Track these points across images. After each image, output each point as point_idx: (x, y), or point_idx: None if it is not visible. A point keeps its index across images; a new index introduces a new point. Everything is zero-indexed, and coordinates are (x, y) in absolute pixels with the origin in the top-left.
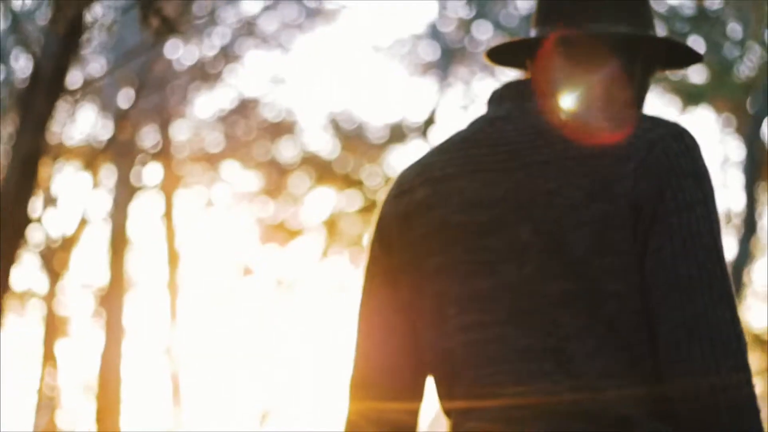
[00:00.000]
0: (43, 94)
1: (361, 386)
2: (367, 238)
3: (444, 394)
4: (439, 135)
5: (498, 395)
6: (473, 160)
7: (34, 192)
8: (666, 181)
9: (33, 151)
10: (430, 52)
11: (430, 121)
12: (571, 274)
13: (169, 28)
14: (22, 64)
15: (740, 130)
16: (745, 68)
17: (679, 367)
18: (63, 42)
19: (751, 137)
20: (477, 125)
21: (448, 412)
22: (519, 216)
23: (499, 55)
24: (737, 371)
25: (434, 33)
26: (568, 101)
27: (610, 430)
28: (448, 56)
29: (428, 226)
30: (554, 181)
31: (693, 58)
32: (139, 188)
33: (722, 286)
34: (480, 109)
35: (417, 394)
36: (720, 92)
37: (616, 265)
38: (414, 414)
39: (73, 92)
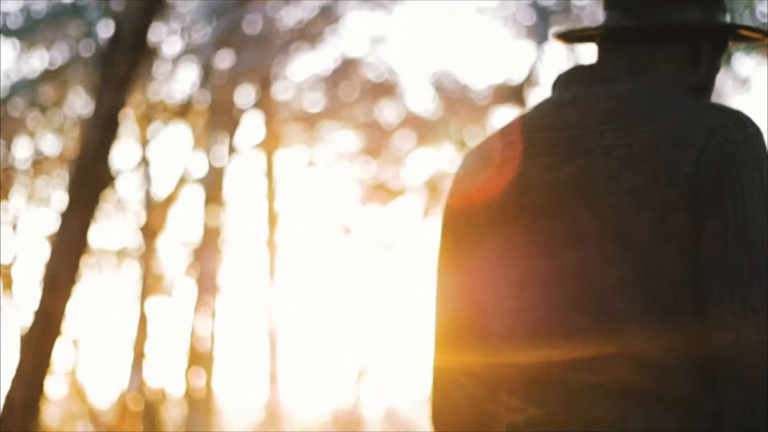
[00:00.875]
0: (124, 53)
1: (454, 338)
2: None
3: (504, 364)
4: (537, 97)
5: (559, 376)
6: (535, 144)
7: (114, 150)
8: (724, 166)
9: (113, 109)
10: (531, 13)
11: (528, 83)
12: (630, 259)
13: None
14: (105, 24)
15: None
16: None
17: (726, 348)
18: (143, 1)
19: None
20: (541, 109)
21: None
22: (579, 201)
23: (572, 34)
24: None
25: None
26: (634, 87)
27: (673, 411)
28: (548, 18)
29: (489, 209)
30: (616, 166)
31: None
32: (239, 147)
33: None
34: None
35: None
36: None
37: (677, 250)
38: (517, 368)
39: (157, 50)
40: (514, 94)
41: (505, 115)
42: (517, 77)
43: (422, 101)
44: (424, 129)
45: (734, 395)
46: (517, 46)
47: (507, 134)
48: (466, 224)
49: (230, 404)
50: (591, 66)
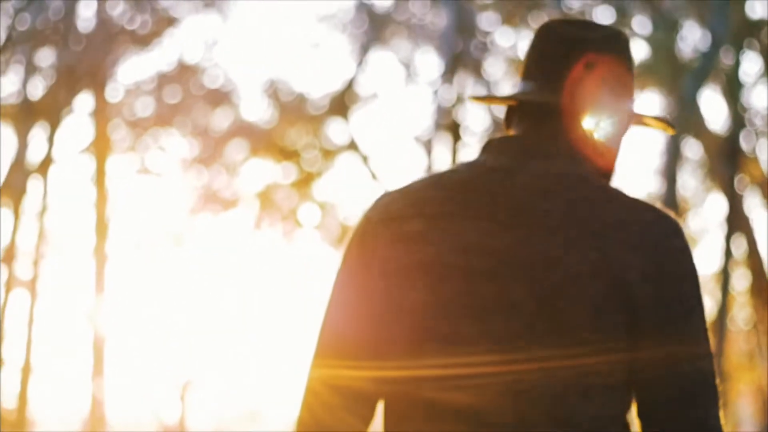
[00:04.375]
0: None
1: (326, 353)
2: (344, 246)
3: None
4: (376, 108)
5: None
6: (473, 206)
7: None
8: (668, 284)
9: None
10: (364, 20)
11: (351, 94)
12: (557, 340)
13: None
14: None
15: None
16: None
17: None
18: None
19: (678, 120)
20: (476, 171)
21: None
22: (515, 272)
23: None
24: None
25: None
26: (570, 169)
27: None
28: (380, 28)
29: (419, 261)
30: (560, 248)
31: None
32: (67, 151)
33: (717, 391)
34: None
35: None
36: (657, 71)
37: (603, 342)
38: (378, 382)
39: None
40: (340, 105)
41: (338, 126)
42: (356, 88)
43: (257, 110)
44: (258, 138)
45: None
46: (351, 55)
47: (439, 188)
48: (384, 271)
49: (48, 416)
50: (523, 138)
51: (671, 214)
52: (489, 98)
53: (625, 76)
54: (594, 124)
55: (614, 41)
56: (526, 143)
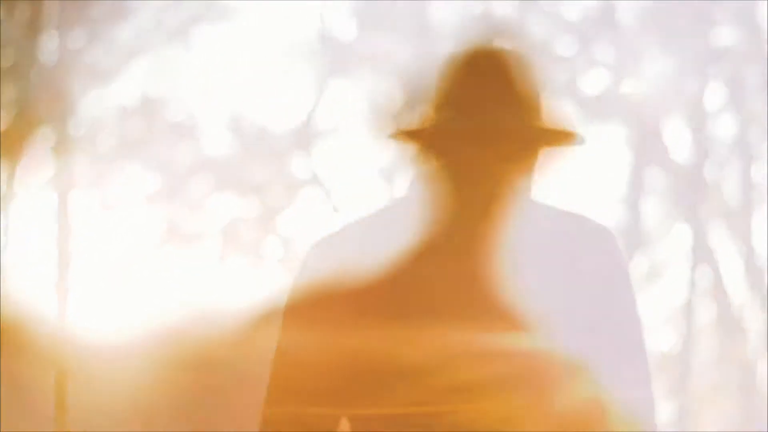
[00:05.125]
0: None
1: (280, 390)
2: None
3: None
4: (338, 142)
5: None
6: (422, 237)
7: None
8: (608, 292)
9: None
10: (326, 54)
11: (310, 125)
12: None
13: None
14: None
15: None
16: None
17: None
18: None
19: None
20: (410, 206)
21: None
22: (472, 297)
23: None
24: None
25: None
26: (500, 190)
27: None
28: (342, 60)
29: (371, 305)
30: (510, 271)
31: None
32: (27, 185)
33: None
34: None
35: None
36: (619, 99)
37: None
38: (339, 418)
39: None
40: (302, 138)
41: (300, 160)
42: (320, 122)
43: (219, 144)
44: (220, 172)
45: None
46: (312, 88)
47: (379, 228)
48: (340, 312)
49: None
50: (452, 168)
51: (602, 222)
52: (408, 132)
53: (536, 95)
54: (514, 144)
55: (525, 63)
56: (455, 172)
